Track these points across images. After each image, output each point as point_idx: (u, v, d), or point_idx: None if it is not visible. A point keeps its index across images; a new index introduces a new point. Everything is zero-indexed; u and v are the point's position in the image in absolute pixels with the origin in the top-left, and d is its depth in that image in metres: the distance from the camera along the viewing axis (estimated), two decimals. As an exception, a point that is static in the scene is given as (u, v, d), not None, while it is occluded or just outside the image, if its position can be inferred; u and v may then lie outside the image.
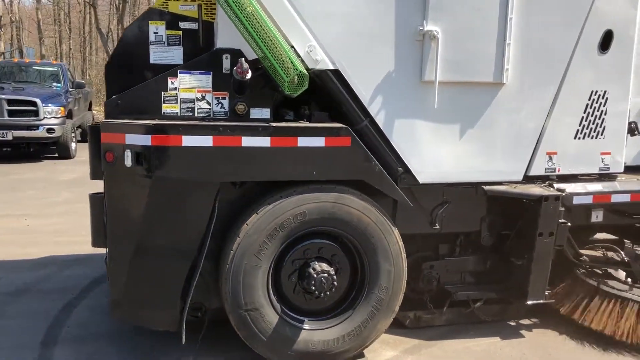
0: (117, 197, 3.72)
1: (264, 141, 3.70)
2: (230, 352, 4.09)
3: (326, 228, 3.94)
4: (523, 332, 4.66)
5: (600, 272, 4.86)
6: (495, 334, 4.58)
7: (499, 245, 4.69)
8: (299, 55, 3.89)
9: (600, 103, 4.64)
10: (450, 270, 4.67)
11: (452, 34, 4.14)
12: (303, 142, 3.78)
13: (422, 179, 4.33)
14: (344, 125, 3.90)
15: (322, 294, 3.90)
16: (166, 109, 3.84)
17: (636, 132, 4.87)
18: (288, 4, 3.87)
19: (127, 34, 4.05)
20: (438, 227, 4.44)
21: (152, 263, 3.72)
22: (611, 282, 4.64)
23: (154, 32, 3.97)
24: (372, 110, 4.13)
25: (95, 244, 4.06)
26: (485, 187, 4.42)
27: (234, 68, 3.77)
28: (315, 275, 3.86)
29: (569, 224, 4.54)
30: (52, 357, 4.05)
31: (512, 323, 4.81)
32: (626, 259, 4.77)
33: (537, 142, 4.54)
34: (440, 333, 4.56)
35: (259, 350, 3.91)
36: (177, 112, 3.86)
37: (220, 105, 3.92)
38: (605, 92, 4.63)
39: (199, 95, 3.89)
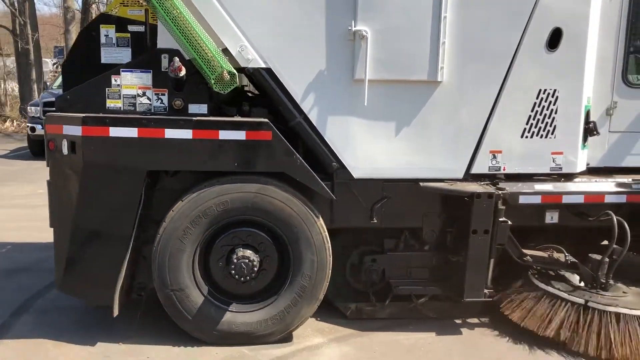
0: (58, 182, 4.16)
1: (186, 133, 4.01)
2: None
3: (251, 217, 4.18)
4: (464, 330, 4.66)
5: (553, 274, 4.78)
6: (433, 329, 4.61)
7: (442, 242, 4.72)
8: (230, 55, 4.17)
9: (550, 102, 4.57)
10: (395, 265, 4.75)
11: (383, 34, 4.26)
12: (224, 135, 4.05)
13: (356, 174, 4.47)
14: (265, 120, 4.13)
15: (242, 279, 4.14)
16: (110, 104, 4.23)
17: (595, 133, 4.73)
18: (219, 6, 4.16)
19: (81, 37, 4.49)
20: (376, 221, 4.55)
21: (88, 244, 4.11)
22: (557, 284, 4.55)
23: (105, 35, 4.38)
24: (305, 107, 4.33)
25: (51, 224, 4.52)
26: (421, 184, 4.48)
27: (169, 66, 4.10)
28: (235, 261, 4.11)
29: (510, 222, 4.51)
30: (13, 324, 4.54)
31: (458, 321, 4.81)
32: (568, 261, 4.65)
33: (479, 141, 4.55)
34: (380, 326, 4.66)
35: (185, 327, 4.21)
36: (120, 107, 4.23)
37: (160, 101, 4.26)
38: (555, 90, 4.55)
39: (140, 92, 4.24)
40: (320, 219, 4.27)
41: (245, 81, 4.93)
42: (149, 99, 4.25)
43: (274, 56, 4.25)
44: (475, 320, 4.82)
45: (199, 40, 3.96)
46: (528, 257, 4.64)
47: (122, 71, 4.22)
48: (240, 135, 4.06)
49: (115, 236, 4.08)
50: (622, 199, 4.70)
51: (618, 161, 5.00)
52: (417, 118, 4.46)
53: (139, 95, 4.25)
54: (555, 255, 4.69)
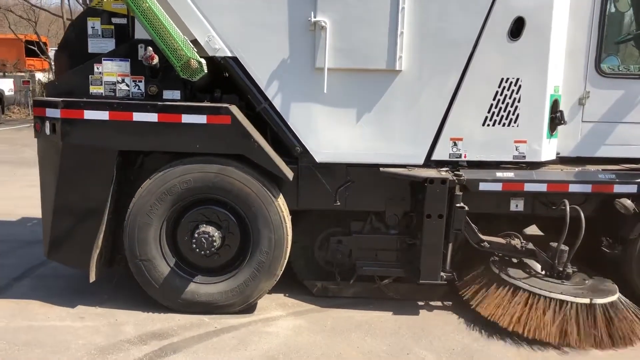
0: (43, 160, 4.62)
1: (152, 117, 4.37)
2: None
3: (215, 196, 4.50)
4: (422, 311, 4.82)
5: (515, 261, 4.84)
6: (392, 309, 4.79)
7: (405, 226, 4.88)
8: (200, 45, 4.49)
9: (513, 90, 4.62)
10: (361, 247, 4.95)
11: (342, 24, 4.46)
12: (187, 118, 4.38)
13: (319, 158, 4.71)
14: (225, 105, 4.42)
15: (202, 252, 4.47)
16: (93, 90, 4.64)
17: (562, 122, 4.74)
18: (188, -2, 4.48)
19: (70, 28, 4.93)
20: (339, 204, 4.76)
21: (67, 217, 4.55)
22: (512, 271, 4.62)
23: (91, 27, 4.78)
24: (269, 94, 4.60)
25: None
26: (381, 169, 4.66)
27: (143, 55, 4.47)
28: (196, 235, 4.45)
29: (466, 208, 4.62)
30: (13, 286, 5.08)
31: (421, 303, 4.96)
32: (523, 248, 4.69)
33: (439, 128, 4.67)
34: (342, 303, 4.88)
35: (153, 295, 4.59)
36: (102, 93, 4.64)
37: (137, 87, 4.64)
38: (517, 79, 4.61)
39: (119, 79, 4.64)
40: (279, 199, 4.53)
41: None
42: (127, 85, 4.63)
43: (239, 45, 4.53)
44: (437, 304, 4.96)
45: (165, 30, 4.30)
46: (486, 243, 4.72)
47: (104, 60, 4.62)
48: (201, 119, 4.38)
49: (90, 210, 4.49)
50: (587, 188, 4.69)
51: (591, 151, 4.99)
52: (378, 105, 4.63)
53: (118, 82, 4.64)
54: (513, 242, 4.74)
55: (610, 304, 4.34)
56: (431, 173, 4.59)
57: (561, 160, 4.99)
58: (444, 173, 4.60)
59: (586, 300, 4.30)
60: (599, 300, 4.30)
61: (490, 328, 4.42)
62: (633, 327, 4.29)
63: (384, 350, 4.10)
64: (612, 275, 4.76)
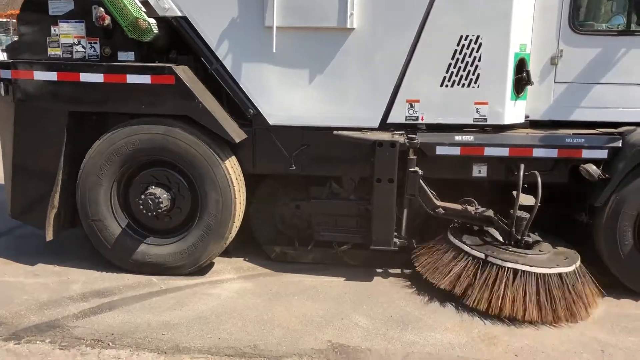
0: (1, 121, 4.72)
1: (97, 77, 4.38)
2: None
3: (165, 158, 4.49)
4: (377, 278, 4.69)
5: (476, 229, 4.63)
6: (346, 275, 4.69)
7: (365, 192, 4.74)
8: (149, 5, 4.45)
9: (473, 49, 4.38)
10: (319, 212, 4.84)
11: (290, -20, 4.31)
12: (131, 79, 4.37)
13: (272, 121, 4.62)
14: (169, 65, 4.37)
15: (149, 213, 4.48)
16: (51, 51, 4.68)
17: (529, 82, 4.45)
18: (136, -43, 4.43)
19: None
20: (295, 168, 4.67)
21: (24, 177, 4.66)
22: (468, 239, 4.42)
23: None
24: (220, 54, 4.53)
25: None
26: (334, 132, 4.52)
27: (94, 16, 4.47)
28: (143, 197, 4.46)
29: (420, 172, 4.44)
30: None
31: (379, 270, 4.83)
32: (477, 215, 4.46)
33: (395, 90, 4.48)
34: (299, 269, 4.81)
35: (105, 255, 4.66)
36: (59, 55, 4.67)
37: (93, 49, 4.65)
38: (478, 37, 4.35)
39: (75, 41, 4.66)
40: (227, 161, 4.47)
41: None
42: (83, 47, 4.65)
43: (189, 4, 4.47)
44: (396, 271, 4.82)
45: (112, -10, 4.28)
46: (440, 209, 4.53)
47: (60, 21, 4.64)
48: (145, 79, 4.36)
49: (45, 171, 4.57)
50: (553, 153, 4.42)
51: (565, 115, 4.68)
52: (330, 66, 4.48)
53: (75, 44, 4.66)
54: (469, 208, 4.52)
55: (565, 274, 4.09)
56: (383, 136, 4.42)
57: (532, 124, 4.71)
58: (396, 136, 4.42)
59: (540, 270, 4.07)
60: (552, 270, 4.06)
61: (440, 297, 4.26)
62: (585, 300, 4.05)
63: (319, 314, 4.02)
64: (586, 245, 4.51)
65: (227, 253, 4.98)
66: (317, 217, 4.83)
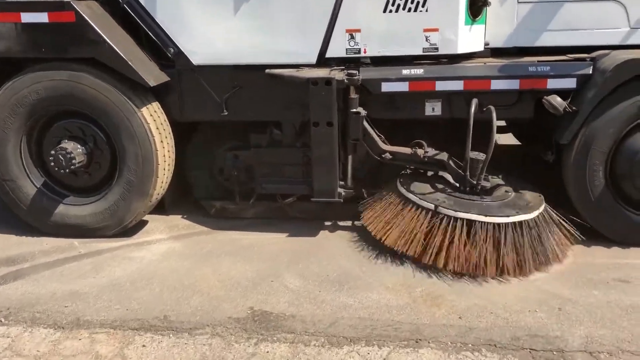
0: None
1: (-12, 17, 3.83)
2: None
3: (72, 107, 3.99)
4: (324, 232, 4.24)
5: (430, 174, 4.13)
6: (290, 231, 4.24)
7: (305, 138, 4.22)
8: None
9: (418, -35, 3.76)
10: (261, 162, 4.35)
11: None
12: (26, 17, 3.81)
13: (196, 60, 4.08)
14: (68, 0, 3.79)
15: (61, 170, 4.01)
16: None
17: (486, 3, 3.86)
18: None
19: None
20: (227, 113, 4.16)
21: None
22: (418, 186, 3.93)
23: None
24: (131, -17, 3.95)
25: None
26: (266, 71, 3.98)
27: None
28: (53, 152, 3.98)
29: (364, 113, 3.91)
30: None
31: (328, 223, 4.38)
32: (425, 158, 3.96)
33: (331, 18, 3.90)
34: (240, 225, 4.38)
35: (22, 217, 4.23)
36: None
37: None
38: (424, -49, 3.73)
39: None
40: (144, 109, 3.95)
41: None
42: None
43: None
44: (347, 224, 4.36)
45: None
46: (388, 154, 4.02)
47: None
48: (42, 17, 3.80)
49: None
50: (514, 85, 3.86)
51: (531, 40, 4.09)
52: (257, -9, 3.89)
53: None
54: (419, 151, 4.00)
55: (526, 222, 3.60)
56: (318, 73, 3.88)
57: (493, 52, 4.13)
58: (334, 73, 3.87)
59: (496, 220, 3.58)
60: (510, 219, 3.58)
61: (388, 253, 3.80)
62: (551, 250, 3.59)
63: (247, 277, 3.59)
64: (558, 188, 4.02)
65: (163, 210, 4.56)
66: (257, 168, 4.35)
